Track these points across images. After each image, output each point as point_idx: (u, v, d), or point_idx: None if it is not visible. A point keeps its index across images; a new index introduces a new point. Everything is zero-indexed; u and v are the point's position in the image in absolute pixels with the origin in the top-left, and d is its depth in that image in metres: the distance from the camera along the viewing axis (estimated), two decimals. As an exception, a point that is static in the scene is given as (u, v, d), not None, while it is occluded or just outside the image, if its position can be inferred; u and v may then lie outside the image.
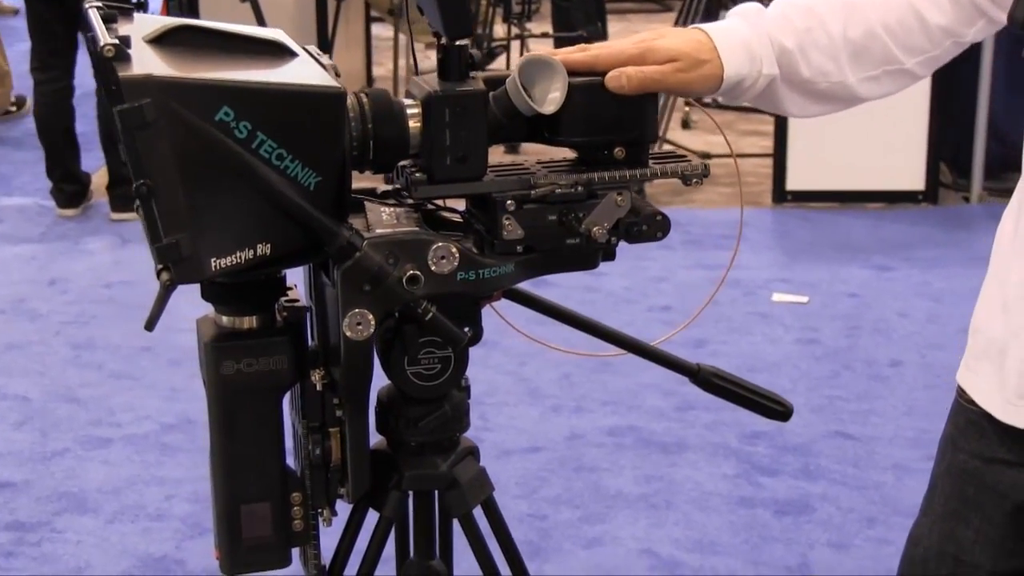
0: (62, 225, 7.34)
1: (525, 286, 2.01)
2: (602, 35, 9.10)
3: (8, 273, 7.02)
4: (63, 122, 7.28)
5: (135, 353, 5.72)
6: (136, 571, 4.29)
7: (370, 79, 9.31)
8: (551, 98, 1.88)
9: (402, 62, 8.86)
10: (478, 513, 2.08)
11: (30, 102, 8.53)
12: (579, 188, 1.91)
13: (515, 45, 8.90)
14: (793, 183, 7.58)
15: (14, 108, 10.22)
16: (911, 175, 7.57)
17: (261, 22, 7.13)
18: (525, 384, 5.13)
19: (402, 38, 8.87)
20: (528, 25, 9.02)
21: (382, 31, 9.49)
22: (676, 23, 9.31)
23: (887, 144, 7.31)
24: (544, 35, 9.04)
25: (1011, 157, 7.25)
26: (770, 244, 7.00)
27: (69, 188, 7.39)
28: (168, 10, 8.25)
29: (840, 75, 2.16)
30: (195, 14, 7.63)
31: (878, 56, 2.18)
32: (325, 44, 8.02)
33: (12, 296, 6.68)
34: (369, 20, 9.25)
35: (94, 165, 7.52)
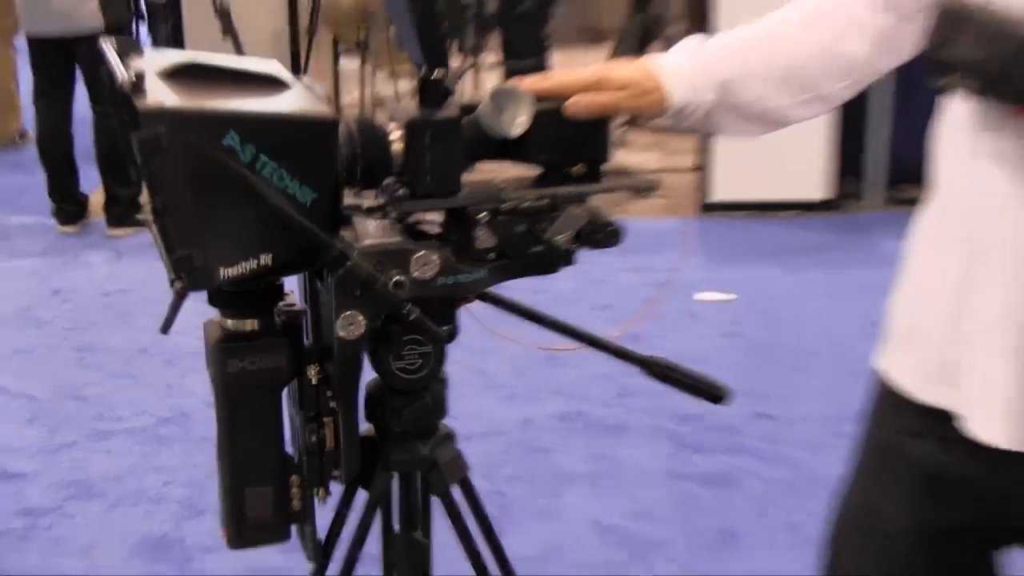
0: (63, 241, 7.34)
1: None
2: (544, 65, 9.09)
3: (15, 284, 7.02)
4: (62, 148, 7.27)
5: (132, 355, 5.72)
6: (139, 549, 4.29)
7: (338, 107, 9.30)
8: (518, 122, 1.91)
9: (368, 90, 8.86)
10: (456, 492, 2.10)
11: (32, 134, 8.49)
12: (544, 201, 1.93)
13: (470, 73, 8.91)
14: (716, 195, 7.61)
15: (20, 140, 10.25)
16: (819, 186, 7.64)
17: (240, 54, 7.14)
18: (483, 376, 5.17)
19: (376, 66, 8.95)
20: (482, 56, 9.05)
21: (348, 64, 9.47)
22: (612, 55, 9.35)
23: (797, 159, 7.34)
24: (495, 64, 9.03)
25: (906, 170, 7.34)
26: (697, 249, 7.02)
27: (69, 208, 7.38)
28: (153, 43, 8.25)
29: (773, 101, 2.19)
30: (181, 46, 7.62)
31: (807, 84, 2.20)
32: (297, 74, 8.00)
33: (19, 305, 6.68)
34: (337, 53, 9.24)
35: (91, 186, 7.51)
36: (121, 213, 7.19)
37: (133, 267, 6.71)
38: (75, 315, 6.39)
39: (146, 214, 6.83)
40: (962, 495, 2.14)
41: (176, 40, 7.86)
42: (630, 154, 8.36)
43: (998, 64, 1.91)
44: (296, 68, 8.11)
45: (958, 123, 2.07)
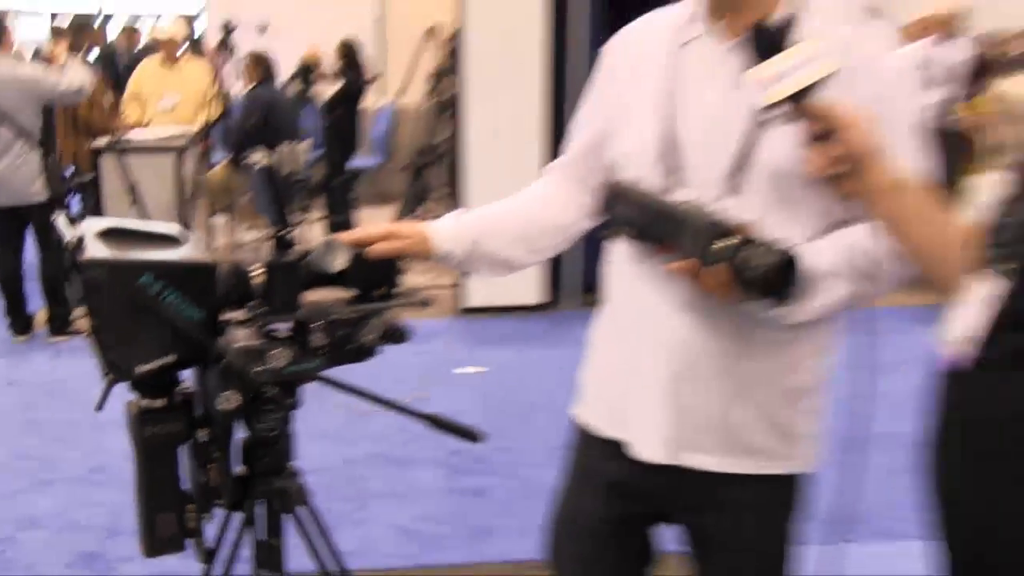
0: (17, 347, 7.12)
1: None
2: (352, 221, 9.09)
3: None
4: (16, 284, 7.08)
5: (67, 425, 5.56)
6: (74, 562, 4.21)
7: (214, 252, 9.21)
8: (339, 262, 1.94)
9: (232, 238, 8.79)
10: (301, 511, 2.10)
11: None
12: (357, 314, 1.96)
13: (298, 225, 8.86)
14: (470, 302, 7.60)
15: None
16: (537, 294, 7.65)
17: (146, 218, 7.11)
18: (317, 429, 5.06)
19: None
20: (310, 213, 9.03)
21: (217, 220, 9.36)
22: (397, 214, 9.38)
23: (524, 276, 7.38)
24: (320, 219, 9.00)
25: (591, 282, 7.46)
26: (456, 338, 7.06)
27: (20, 323, 7.19)
28: (83, 209, 8.12)
29: (508, 253, 2.27)
30: (101, 212, 7.51)
31: (532, 242, 2.30)
32: (187, 229, 7.93)
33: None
34: (209, 212, 9.15)
35: (37, 307, 7.30)
36: (59, 326, 7.05)
37: (68, 364, 6.56)
38: (25, 398, 6.18)
39: (79, 327, 6.65)
40: (632, 495, 2.20)
41: (98, 208, 7.73)
42: (414, 275, 8.37)
43: (644, 222, 2.00)
44: (184, 225, 8.03)
45: (621, 255, 2.15)
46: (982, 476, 1.49)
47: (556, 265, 7.56)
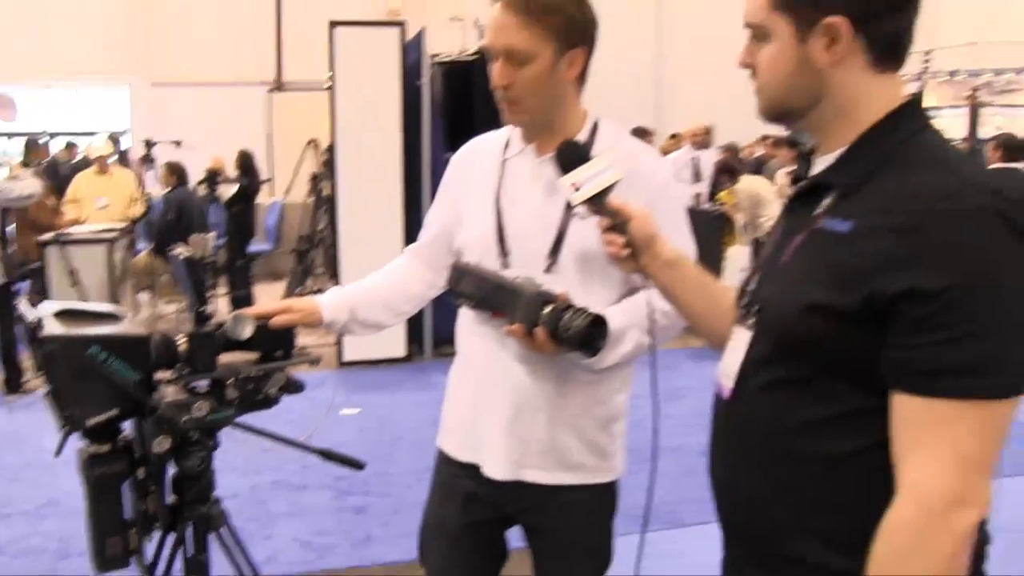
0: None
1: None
2: (251, 295, 8.94)
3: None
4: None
5: (22, 467, 5.30)
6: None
7: (149, 325, 8.97)
8: (246, 331, 1.92)
9: (154, 311, 8.57)
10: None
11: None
12: (261, 372, 1.94)
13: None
14: (347, 356, 7.49)
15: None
16: (399, 347, 7.56)
17: (85, 300, 6.91)
18: (227, 464, 4.93)
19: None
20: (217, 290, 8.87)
21: (143, 296, 9.12)
22: (287, 289, 9.28)
23: (388, 333, 7.36)
24: (224, 294, 8.83)
25: (443, 337, 7.47)
26: (338, 385, 6.97)
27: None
28: (31, 290, 7.87)
29: (378, 318, 2.29)
30: (47, 296, 7.26)
31: (394, 308, 2.32)
32: (117, 305, 7.73)
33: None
34: (135, 290, 8.92)
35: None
36: (14, 386, 6.75)
37: (21, 417, 6.24)
38: (-14, 447, 5.92)
39: (31, 387, 6.33)
40: (484, 504, 2.21)
41: (44, 289, 7.48)
42: (303, 338, 8.26)
43: (483, 294, 2.03)
44: (115, 301, 7.81)
45: (467, 315, 2.18)
46: (740, 471, 1.53)
47: (413, 325, 7.53)
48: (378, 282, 2.34)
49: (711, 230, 8.53)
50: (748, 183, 8.48)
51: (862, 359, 1.32)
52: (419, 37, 7.54)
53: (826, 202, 1.42)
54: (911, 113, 1.41)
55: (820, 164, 1.48)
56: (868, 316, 1.29)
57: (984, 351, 1.24)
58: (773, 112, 1.48)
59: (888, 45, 1.39)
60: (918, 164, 1.34)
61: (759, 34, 1.43)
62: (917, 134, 1.39)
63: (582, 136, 2.10)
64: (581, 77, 2.09)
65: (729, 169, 9.01)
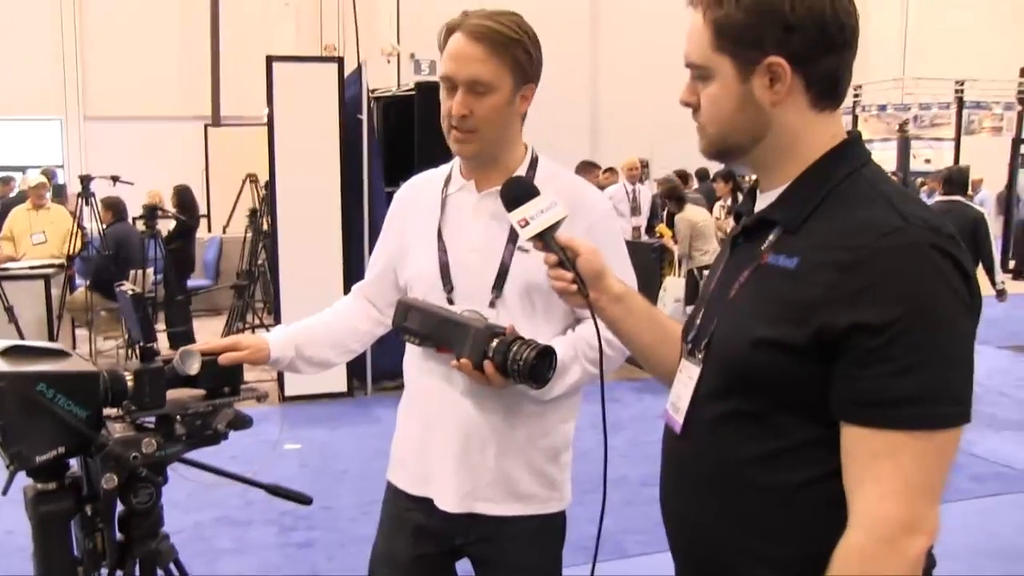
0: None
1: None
2: (191, 333, 8.84)
3: None
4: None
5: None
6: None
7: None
8: (195, 366, 1.92)
9: (94, 347, 8.45)
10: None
11: None
12: (210, 408, 1.94)
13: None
14: (289, 391, 7.43)
15: None
16: (341, 382, 7.52)
17: (22, 338, 6.80)
18: (170, 501, 4.87)
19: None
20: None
21: (80, 332, 8.98)
22: (227, 324, 9.18)
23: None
24: (163, 330, 8.72)
25: (386, 371, 7.46)
26: (281, 421, 6.89)
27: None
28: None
29: (324, 356, 2.32)
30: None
31: (340, 346, 2.34)
32: (53, 341, 7.61)
33: None
34: (73, 326, 8.80)
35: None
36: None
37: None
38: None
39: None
40: (434, 537, 2.22)
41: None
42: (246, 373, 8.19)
43: (428, 330, 2.06)
44: (51, 338, 7.70)
45: (414, 351, 2.20)
46: (693, 503, 1.56)
47: (354, 360, 7.40)
48: (325, 320, 2.35)
49: (649, 262, 8.64)
50: (690, 213, 8.61)
51: (812, 392, 1.36)
52: (358, 72, 7.57)
53: (771, 238, 1.46)
54: (851, 149, 1.47)
55: (764, 200, 1.53)
56: (817, 350, 1.34)
57: (929, 382, 1.28)
58: (716, 149, 1.53)
59: (827, 84, 1.44)
60: (860, 200, 1.39)
61: (701, 74, 1.48)
62: (858, 170, 1.44)
63: (522, 170, 2.16)
64: (525, 113, 2.16)
65: (676, 196, 9.10)
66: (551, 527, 2.24)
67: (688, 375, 1.56)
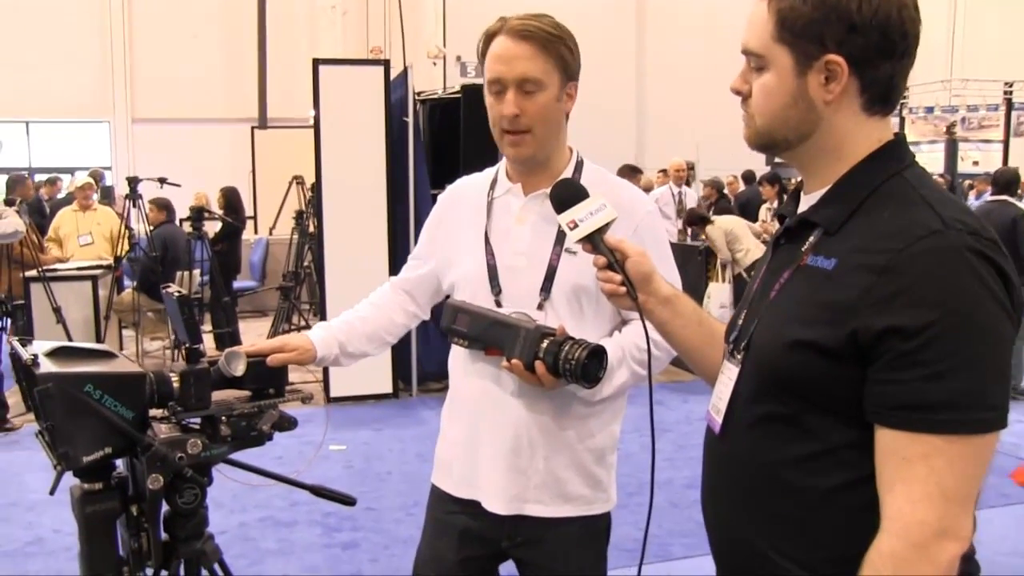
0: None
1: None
2: (237, 334, 8.92)
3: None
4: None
5: (6, 507, 5.22)
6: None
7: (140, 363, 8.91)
8: (240, 368, 1.92)
9: (140, 347, 8.53)
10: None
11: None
12: (254, 409, 1.94)
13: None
14: (335, 393, 7.46)
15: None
16: (386, 384, 7.53)
17: (70, 339, 6.89)
18: (215, 502, 4.91)
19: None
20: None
21: (127, 332, 9.08)
22: (272, 325, 9.24)
23: (375, 371, 7.36)
24: (208, 331, 8.80)
25: (430, 374, 7.48)
26: (328, 423, 6.94)
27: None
28: (16, 331, 7.81)
29: (364, 349, 2.31)
30: (32, 332, 7.24)
31: (378, 339, 2.36)
32: (100, 342, 7.68)
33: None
34: (120, 327, 8.89)
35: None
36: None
37: (6, 456, 6.16)
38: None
39: (13, 425, 6.27)
40: (480, 540, 2.21)
41: (29, 329, 7.46)
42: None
43: (477, 332, 2.05)
44: (98, 338, 7.79)
45: (461, 354, 2.20)
46: (730, 505, 1.56)
47: (399, 362, 7.54)
48: (363, 315, 2.37)
49: (696, 264, 8.59)
50: (719, 223, 8.53)
51: (847, 395, 1.35)
52: (404, 74, 7.60)
53: (811, 239, 1.45)
54: (894, 152, 1.45)
55: (806, 202, 1.52)
56: (852, 353, 1.33)
57: (964, 387, 1.27)
58: (762, 141, 1.51)
59: (882, 89, 1.42)
60: (900, 202, 1.37)
61: (758, 63, 1.47)
62: (900, 173, 1.42)
63: (568, 173, 2.16)
64: (569, 113, 2.15)
65: (697, 218, 9.02)
66: (596, 528, 2.23)
67: (728, 376, 1.56)
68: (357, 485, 5.49)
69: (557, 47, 2.05)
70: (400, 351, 7.42)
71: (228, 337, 8.57)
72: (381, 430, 6.77)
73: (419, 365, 7.57)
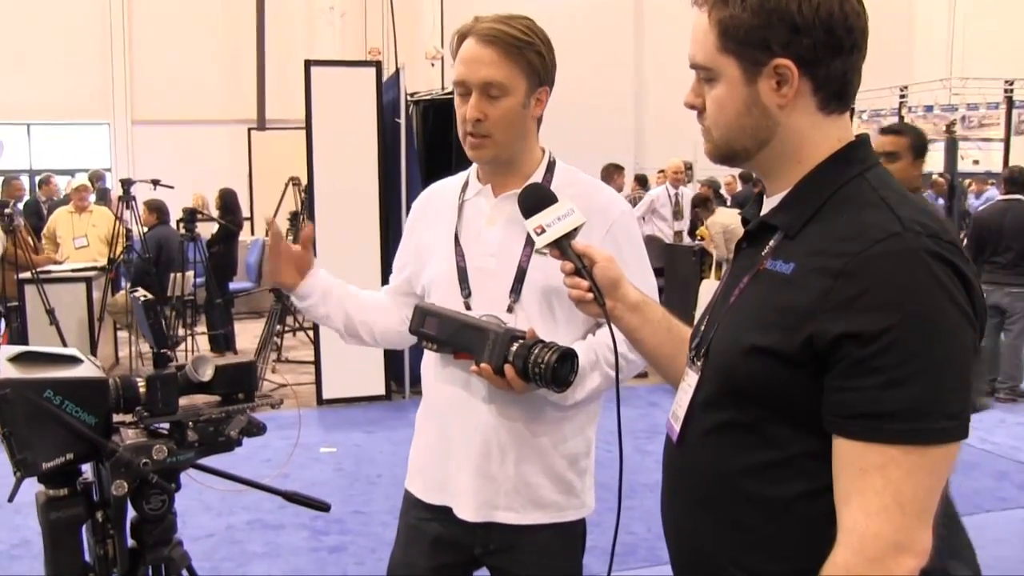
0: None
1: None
2: (232, 335, 8.91)
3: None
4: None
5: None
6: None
7: (117, 361, 8.92)
8: (208, 373, 1.90)
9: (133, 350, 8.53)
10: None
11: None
12: (223, 414, 1.92)
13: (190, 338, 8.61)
14: (326, 395, 7.46)
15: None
16: (378, 386, 7.56)
17: (64, 344, 6.88)
18: (203, 504, 4.91)
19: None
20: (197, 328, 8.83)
21: (122, 335, 9.06)
22: (266, 326, 9.21)
23: (367, 374, 7.36)
24: (202, 333, 8.79)
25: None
26: (317, 425, 6.92)
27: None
28: (9, 338, 7.81)
29: (360, 317, 2.34)
30: (26, 341, 7.23)
31: (374, 325, 2.35)
32: (94, 347, 7.69)
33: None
34: (115, 329, 8.89)
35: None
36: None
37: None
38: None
39: None
40: (452, 547, 2.20)
41: (23, 330, 7.46)
42: (282, 375, 8.26)
43: (446, 335, 2.03)
44: (93, 344, 7.78)
45: (431, 358, 2.18)
46: (687, 514, 1.54)
47: (391, 363, 7.54)
48: (368, 296, 2.38)
49: (689, 265, 8.57)
50: (721, 215, 8.57)
51: (806, 403, 1.32)
52: (397, 75, 7.59)
53: (771, 243, 1.43)
54: (856, 153, 1.43)
55: (767, 205, 1.50)
56: (809, 359, 1.30)
57: (922, 395, 1.23)
58: (721, 153, 1.49)
59: (835, 87, 1.40)
60: (859, 205, 1.35)
61: (707, 76, 1.45)
62: (861, 174, 1.40)
63: (538, 174, 2.14)
64: (540, 116, 2.13)
65: (704, 200, 9.10)
66: (571, 535, 2.21)
67: (688, 383, 1.53)
68: (346, 488, 5.48)
69: (524, 53, 2.03)
70: (392, 353, 7.40)
71: (223, 339, 8.56)
72: (373, 432, 6.76)
73: (412, 367, 7.55)
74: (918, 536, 1.26)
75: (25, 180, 13.28)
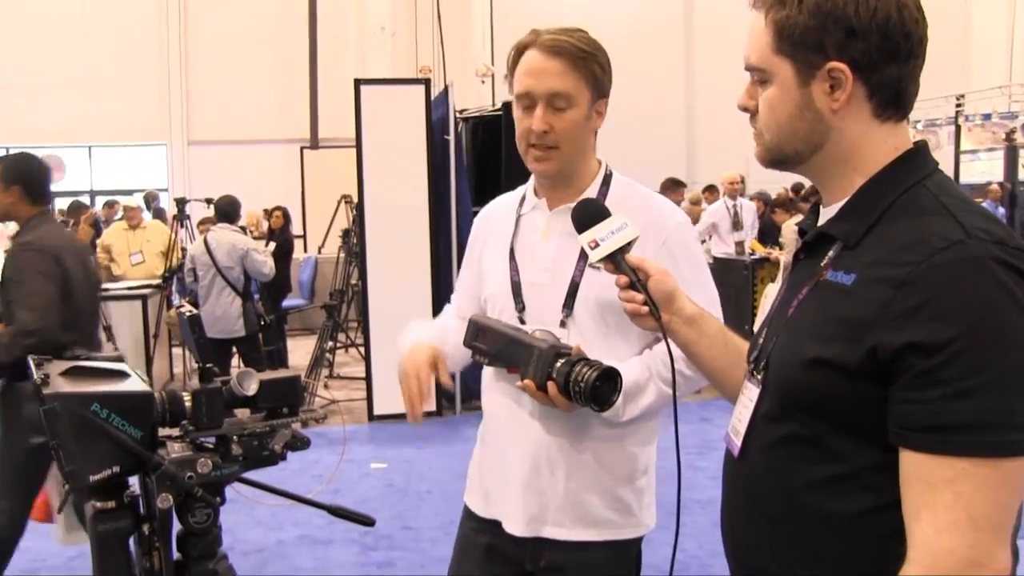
0: None
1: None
2: (284, 352, 8.99)
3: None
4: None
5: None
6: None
7: (172, 376, 9.04)
8: (252, 387, 1.92)
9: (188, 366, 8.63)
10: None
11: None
12: (267, 428, 1.94)
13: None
14: (377, 411, 7.49)
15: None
16: (431, 401, 7.51)
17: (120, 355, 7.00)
18: (254, 518, 4.96)
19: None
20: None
21: (176, 351, 9.18)
22: (317, 343, 9.28)
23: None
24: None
25: (473, 391, 7.45)
26: (368, 440, 6.95)
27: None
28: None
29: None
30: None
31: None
32: (149, 363, 7.80)
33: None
34: (171, 344, 9.01)
35: None
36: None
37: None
38: None
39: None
40: (503, 560, 2.20)
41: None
42: (334, 391, 8.31)
43: (497, 349, 2.04)
44: (148, 356, 7.88)
45: (488, 371, 2.19)
46: (748, 530, 1.52)
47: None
48: (448, 326, 2.37)
49: (740, 280, 8.51)
50: (797, 220, 8.54)
51: (868, 415, 1.29)
52: (445, 93, 7.63)
53: (830, 254, 1.41)
54: (915, 160, 1.40)
55: (825, 215, 1.47)
56: (872, 370, 1.27)
57: (991, 405, 1.20)
58: (773, 156, 1.47)
59: (890, 93, 1.38)
60: (920, 213, 1.32)
61: (761, 77, 1.44)
62: (921, 181, 1.37)
63: (594, 187, 2.13)
64: (597, 130, 2.14)
65: (787, 202, 9.11)
66: (625, 554, 2.18)
67: (748, 396, 1.51)
68: (397, 504, 5.50)
69: (588, 64, 2.03)
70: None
71: (275, 355, 8.64)
72: (424, 448, 6.78)
73: (463, 383, 7.54)
74: (993, 553, 1.22)
75: (86, 200, 13.56)
